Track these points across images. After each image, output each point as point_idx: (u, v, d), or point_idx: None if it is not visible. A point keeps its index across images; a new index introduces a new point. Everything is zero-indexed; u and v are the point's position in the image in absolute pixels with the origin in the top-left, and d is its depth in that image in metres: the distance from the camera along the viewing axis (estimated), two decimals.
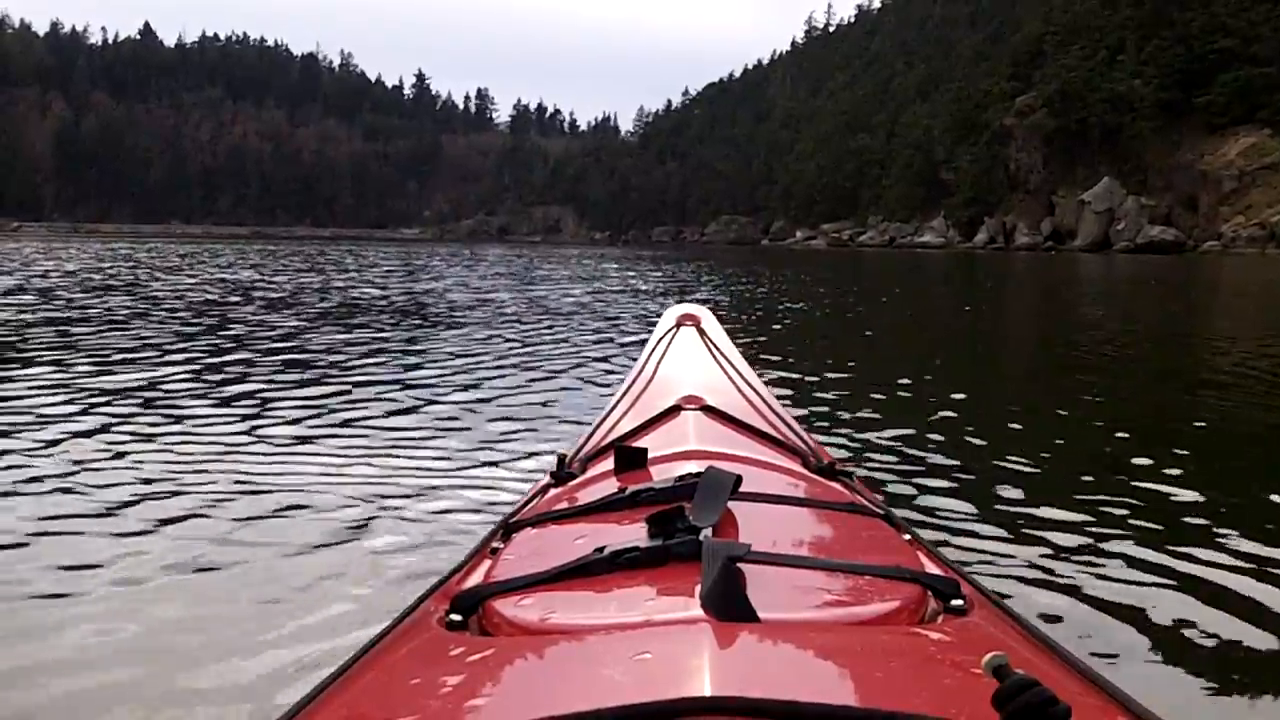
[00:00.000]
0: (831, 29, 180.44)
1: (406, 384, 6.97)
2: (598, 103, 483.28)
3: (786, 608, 1.22)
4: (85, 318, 11.64)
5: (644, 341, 3.23)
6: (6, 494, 3.98)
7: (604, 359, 8.59)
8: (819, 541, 1.63)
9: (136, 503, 3.88)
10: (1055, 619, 2.78)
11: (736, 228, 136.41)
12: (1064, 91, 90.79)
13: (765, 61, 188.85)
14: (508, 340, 10.11)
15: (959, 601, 1.29)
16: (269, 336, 10.09)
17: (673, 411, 2.34)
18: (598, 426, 2.47)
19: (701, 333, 3.01)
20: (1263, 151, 77.60)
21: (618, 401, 2.65)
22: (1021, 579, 3.10)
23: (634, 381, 2.72)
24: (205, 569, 3.16)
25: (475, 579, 1.46)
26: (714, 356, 2.82)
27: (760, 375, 2.94)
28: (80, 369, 7.37)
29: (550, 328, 11.58)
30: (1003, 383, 8.58)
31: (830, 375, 7.83)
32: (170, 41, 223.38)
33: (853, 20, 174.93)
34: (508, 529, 1.70)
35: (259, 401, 6.13)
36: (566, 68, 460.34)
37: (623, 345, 9.79)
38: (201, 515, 3.71)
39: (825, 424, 5.52)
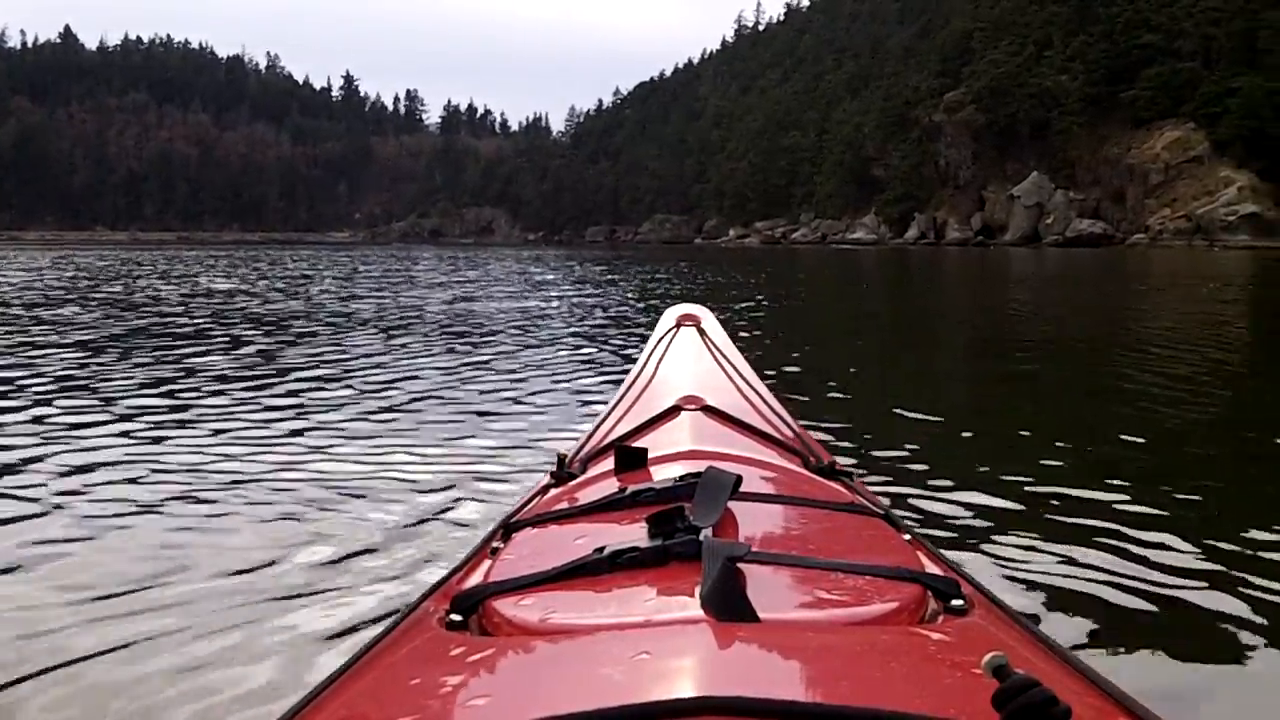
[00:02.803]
0: (761, 28, 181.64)
1: (405, 387, 6.99)
2: (529, 103, 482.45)
3: (786, 608, 1.22)
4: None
5: (644, 341, 3.24)
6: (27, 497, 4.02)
7: (601, 359, 8.75)
8: (819, 541, 1.61)
9: (134, 502, 3.91)
10: (1055, 619, 2.75)
11: (670, 227, 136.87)
12: (992, 87, 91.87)
13: (696, 60, 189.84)
14: (504, 343, 10.16)
15: (959, 601, 1.29)
16: (263, 344, 9.92)
17: (673, 412, 2.33)
18: (598, 426, 2.47)
19: (701, 333, 3.00)
20: (1187, 145, 78.91)
21: (618, 401, 2.64)
22: (1021, 579, 3.06)
23: (634, 381, 2.71)
24: (205, 570, 3.17)
25: (475, 579, 1.46)
26: (714, 356, 2.80)
27: (760, 375, 2.90)
28: (82, 374, 7.53)
29: (541, 330, 11.64)
30: (997, 379, 8.49)
31: (821, 375, 7.87)
32: (92, 44, 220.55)
33: (782, 19, 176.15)
34: (508, 529, 1.70)
35: (257, 405, 6.17)
36: (497, 68, 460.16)
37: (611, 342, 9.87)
38: (201, 516, 3.75)
39: (823, 424, 5.45)
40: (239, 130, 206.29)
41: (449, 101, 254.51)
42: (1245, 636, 2.68)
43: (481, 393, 6.76)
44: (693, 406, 2.33)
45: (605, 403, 2.86)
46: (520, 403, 6.39)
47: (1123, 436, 5.46)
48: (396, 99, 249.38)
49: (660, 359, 2.82)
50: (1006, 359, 9.72)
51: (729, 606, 1.14)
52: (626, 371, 3.02)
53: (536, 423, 5.67)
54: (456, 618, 1.29)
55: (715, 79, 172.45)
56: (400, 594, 2.84)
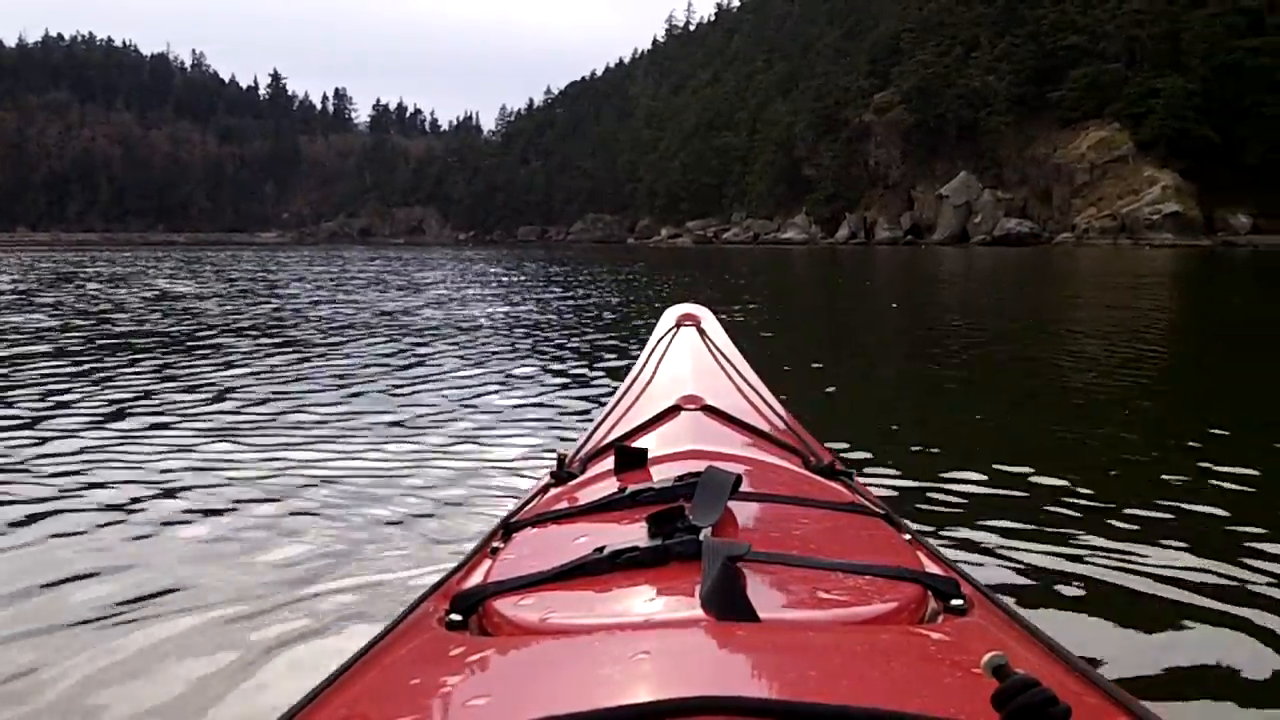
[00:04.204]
0: (692, 27, 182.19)
1: (401, 389, 7.00)
2: (459, 102, 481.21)
3: (786, 607, 1.23)
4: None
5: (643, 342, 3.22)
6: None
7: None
8: (819, 541, 1.59)
9: (133, 503, 3.93)
10: (1055, 619, 2.74)
11: (602, 226, 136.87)
12: (921, 88, 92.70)
13: (627, 60, 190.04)
14: (496, 345, 10.15)
15: (959, 601, 1.29)
16: (246, 350, 9.72)
17: (672, 411, 2.34)
18: (598, 426, 2.48)
19: (701, 333, 2.98)
20: (1112, 145, 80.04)
21: (618, 401, 2.63)
22: (1021, 579, 3.09)
23: (634, 381, 2.71)
24: (206, 570, 3.18)
25: (475, 579, 1.45)
26: (714, 356, 2.79)
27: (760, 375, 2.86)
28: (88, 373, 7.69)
29: (532, 331, 11.67)
30: (993, 378, 8.47)
31: (816, 374, 7.94)
32: (11, 41, 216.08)
33: (713, 19, 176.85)
34: (508, 529, 1.70)
35: (251, 407, 6.20)
36: (426, 66, 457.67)
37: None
38: (203, 517, 3.77)
39: (823, 424, 5.44)
40: (164, 129, 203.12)
41: (378, 100, 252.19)
42: (1246, 635, 2.69)
43: (478, 394, 6.79)
44: (693, 406, 2.33)
45: (605, 403, 2.85)
46: (518, 403, 6.43)
47: (1123, 434, 5.47)
48: (325, 98, 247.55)
49: (660, 359, 2.80)
50: (997, 357, 9.76)
51: (729, 606, 1.13)
52: (625, 371, 2.97)
53: (536, 423, 5.73)
54: (456, 618, 1.29)
55: (646, 79, 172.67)
56: (400, 594, 2.85)
